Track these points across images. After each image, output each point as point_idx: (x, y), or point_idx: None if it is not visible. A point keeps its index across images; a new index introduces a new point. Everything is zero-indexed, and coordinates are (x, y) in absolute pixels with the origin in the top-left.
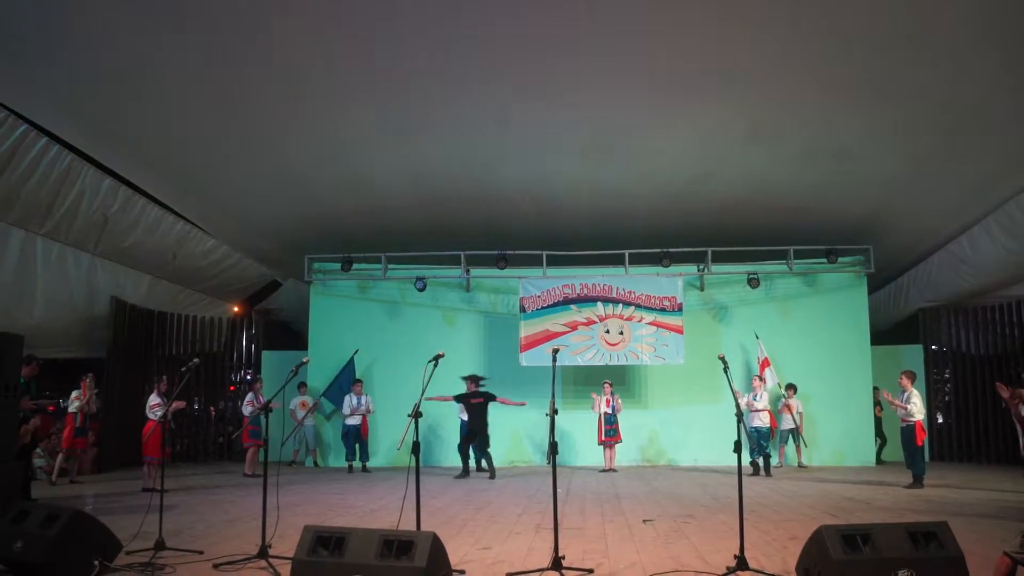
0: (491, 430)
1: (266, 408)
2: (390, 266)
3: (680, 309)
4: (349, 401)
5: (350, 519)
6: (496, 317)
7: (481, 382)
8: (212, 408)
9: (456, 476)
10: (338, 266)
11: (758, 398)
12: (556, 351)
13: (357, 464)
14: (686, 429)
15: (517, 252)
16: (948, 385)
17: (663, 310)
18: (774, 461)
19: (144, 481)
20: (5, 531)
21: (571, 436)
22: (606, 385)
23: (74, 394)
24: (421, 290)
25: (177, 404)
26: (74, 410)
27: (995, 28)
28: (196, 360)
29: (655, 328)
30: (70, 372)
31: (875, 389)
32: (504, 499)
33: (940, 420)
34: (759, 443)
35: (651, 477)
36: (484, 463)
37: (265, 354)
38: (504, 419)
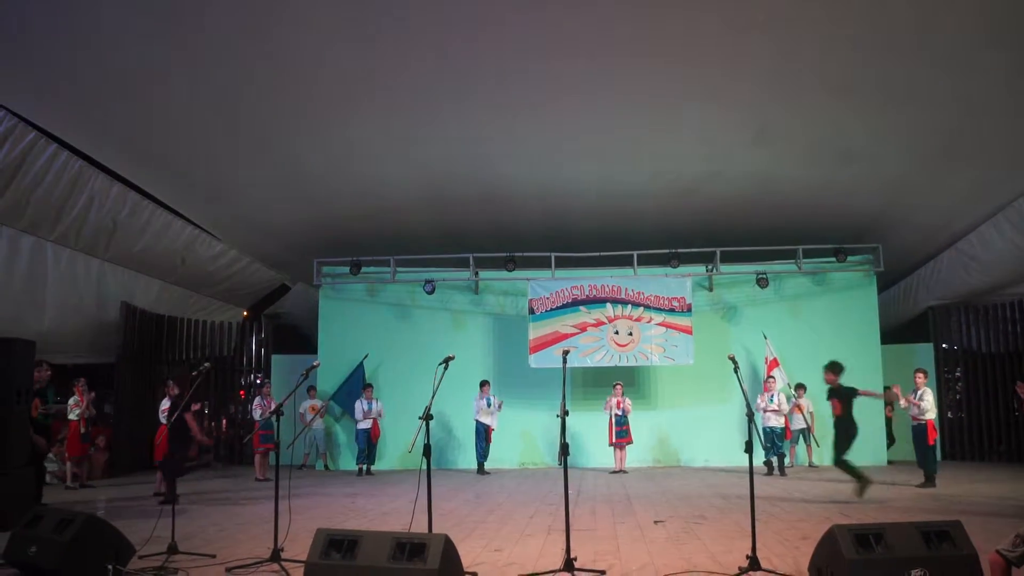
0: (502, 431)
1: (277, 412)
2: (399, 269)
3: (689, 310)
4: (361, 405)
5: (362, 522)
6: (505, 319)
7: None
8: (224, 419)
9: None
10: (347, 269)
11: (773, 399)
12: (566, 352)
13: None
14: (696, 429)
15: (526, 254)
16: (959, 383)
17: (672, 311)
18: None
19: (157, 485)
20: (19, 536)
21: (582, 437)
22: (616, 387)
23: (72, 401)
24: (430, 293)
25: (193, 407)
26: (75, 417)
27: (999, 26)
28: (207, 364)
29: (664, 329)
30: (81, 378)
31: (886, 389)
32: (515, 501)
33: (950, 415)
34: (774, 443)
35: (662, 478)
36: None
37: (275, 358)
38: (515, 421)
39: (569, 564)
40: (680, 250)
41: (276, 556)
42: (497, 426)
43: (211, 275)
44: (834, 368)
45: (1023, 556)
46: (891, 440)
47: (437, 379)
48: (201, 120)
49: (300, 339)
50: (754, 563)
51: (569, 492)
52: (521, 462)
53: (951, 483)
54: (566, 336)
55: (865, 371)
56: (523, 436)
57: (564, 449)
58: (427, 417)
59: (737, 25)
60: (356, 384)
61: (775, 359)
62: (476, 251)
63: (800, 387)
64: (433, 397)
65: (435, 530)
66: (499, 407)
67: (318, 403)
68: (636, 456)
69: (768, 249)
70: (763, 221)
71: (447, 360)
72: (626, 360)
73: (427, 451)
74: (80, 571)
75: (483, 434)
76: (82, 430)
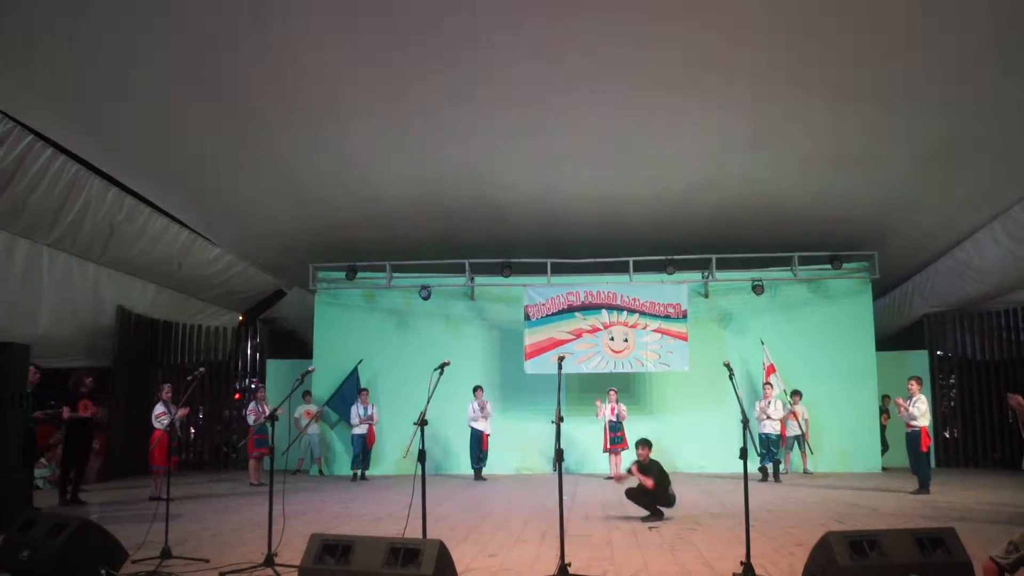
0: (499, 438)
1: (272, 417)
2: (395, 275)
3: (685, 316)
4: (356, 410)
5: (356, 527)
6: (501, 325)
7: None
8: (192, 428)
9: None
10: (343, 275)
11: (772, 404)
12: (562, 359)
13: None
14: (691, 436)
15: (521, 260)
16: (954, 391)
17: (668, 317)
18: (780, 468)
19: (152, 490)
20: (12, 540)
21: (577, 444)
22: (611, 393)
23: None
24: (426, 299)
25: (181, 411)
26: None
27: (999, 31)
28: (202, 369)
29: (660, 335)
30: None
31: (884, 397)
32: (510, 507)
33: (947, 435)
34: (769, 449)
35: None
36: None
37: (270, 363)
38: (511, 427)
39: (563, 570)
40: (676, 257)
41: (270, 561)
42: (491, 431)
43: (207, 280)
44: (647, 443)
45: (1016, 563)
46: (885, 447)
47: (432, 385)
48: (198, 125)
49: (295, 344)
50: (748, 570)
51: (564, 498)
52: (517, 468)
53: (945, 490)
54: (561, 342)
55: (860, 378)
56: (519, 442)
57: (559, 455)
58: (422, 423)
59: (735, 30)
60: (350, 390)
61: (771, 365)
62: (472, 257)
63: (796, 394)
64: (428, 403)
65: (429, 535)
66: (483, 410)
67: (313, 408)
68: (631, 462)
69: (764, 256)
70: (759, 228)
71: (442, 366)
72: (621, 367)
73: (422, 456)
74: None
75: (478, 440)
76: None
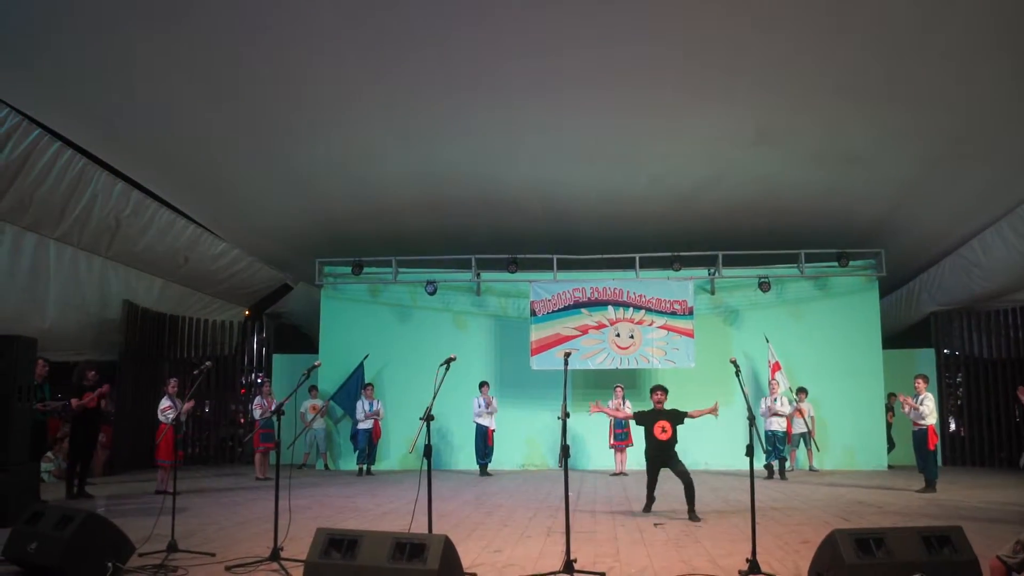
0: (504, 433)
1: (278, 411)
2: (400, 270)
3: (691, 313)
4: (361, 405)
5: (361, 522)
6: (507, 321)
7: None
8: (196, 412)
9: None
10: (349, 270)
11: (778, 401)
12: (568, 355)
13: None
14: (697, 432)
15: (527, 256)
16: (960, 389)
17: (674, 314)
18: (786, 465)
19: (158, 484)
20: (20, 532)
21: (582, 440)
22: (617, 389)
23: None
24: (431, 294)
25: (186, 405)
26: None
27: (1005, 29)
28: (208, 363)
29: (666, 332)
30: None
31: (890, 395)
32: (515, 503)
33: (952, 427)
34: (775, 446)
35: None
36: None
37: (276, 357)
38: (518, 423)
39: (569, 566)
40: (682, 253)
41: (276, 555)
42: (496, 427)
43: (213, 274)
44: (663, 389)
45: (1023, 563)
46: (892, 445)
47: (438, 380)
48: (204, 119)
49: (301, 339)
50: (754, 567)
51: (569, 494)
52: (522, 464)
53: (952, 488)
54: (567, 338)
55: (866, 376)
56: (524, 438)
57: (565, 451)
58: (428, 418)
59: (740, 27)
60: (355, 385)
61: (777, 362)
62: (478, 252)
63: (802, 391)
64: (434, 398)
65: (435, 531)
66: (489, 406)
67: (319, 403)
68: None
69: (770, 253)
70: (765, 225)
71: (448, 361)
72: (627, 363)
73: (428, 452)
74: (80, 568)
75: (483, 436)
76: None
